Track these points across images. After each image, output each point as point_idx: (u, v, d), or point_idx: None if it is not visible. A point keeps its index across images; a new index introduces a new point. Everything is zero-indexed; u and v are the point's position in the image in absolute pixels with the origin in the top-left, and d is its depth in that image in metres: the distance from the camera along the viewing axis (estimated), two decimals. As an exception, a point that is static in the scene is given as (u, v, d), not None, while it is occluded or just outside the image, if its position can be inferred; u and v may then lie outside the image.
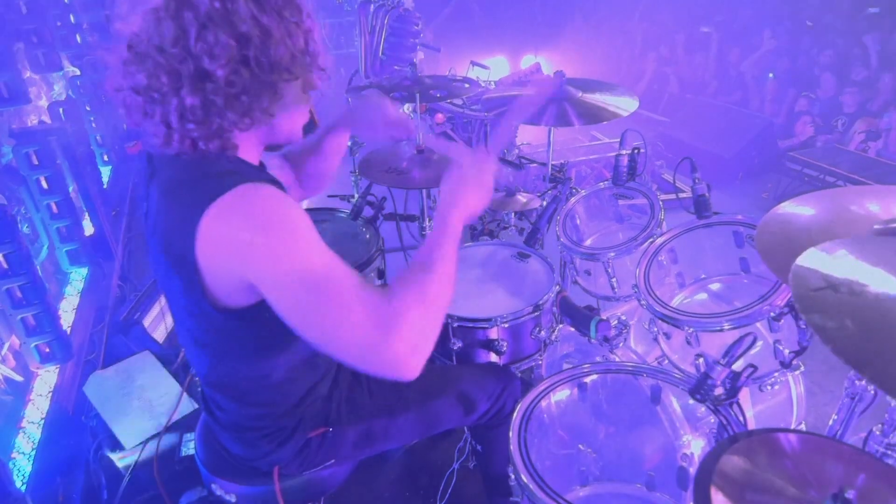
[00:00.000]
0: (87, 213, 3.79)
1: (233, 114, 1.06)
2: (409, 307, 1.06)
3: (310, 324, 1.04)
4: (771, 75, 6.25)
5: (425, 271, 1.13)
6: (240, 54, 1.01)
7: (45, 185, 3.10)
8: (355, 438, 1.46)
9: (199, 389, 1.43)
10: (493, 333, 1.85)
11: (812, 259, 1.10)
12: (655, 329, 1.85)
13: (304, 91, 1.17)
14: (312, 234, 1.05)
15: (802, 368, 1.70)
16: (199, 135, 1.07)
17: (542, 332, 1.92)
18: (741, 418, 1.38)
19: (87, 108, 4.93)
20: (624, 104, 2.38)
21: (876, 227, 1.31)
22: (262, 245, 0.99)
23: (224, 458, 1.42)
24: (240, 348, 1.21)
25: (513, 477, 1.37)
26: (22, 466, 2.27)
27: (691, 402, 1.44)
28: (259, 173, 1.16)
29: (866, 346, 0.92)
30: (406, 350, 1.03)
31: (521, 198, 2.57)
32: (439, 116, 4.14)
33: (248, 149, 1.17)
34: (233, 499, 1.43)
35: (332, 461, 1.45)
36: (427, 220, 2.70)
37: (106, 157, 5.14)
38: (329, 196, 2.69)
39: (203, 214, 1.00)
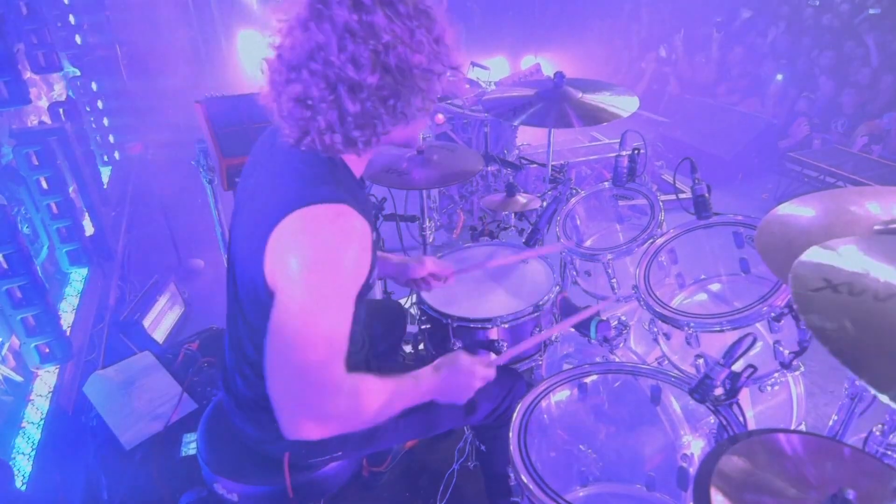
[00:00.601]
0: (87, 213, 3.79)
1: (389, 115, 1.14)
2: (349, 418, 1.19)
3: (272, 353, 1.12)
4: (780, 77, 6.24)
5: (390, 404, 1.26)
6: (382, 62, 1.08)
7: (45, 185, 3.10)
8: (363, 432, 1.47)
9: (223, 368, 1.49)
10: (494, 334, 1.85)
11: (814, 257, 1.11)
12: (655, 329, 1.85)
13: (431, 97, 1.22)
14: (345, 286, 1.12)
15: (802, 369, 1.70)
16: (353, 137, 1.14)
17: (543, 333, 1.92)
18: (741, 419, 1.38)
19: (87, 109, 4.93)
20: (624, 105, 2.38)
21: (876, 227, 1.31)
22: (296, 265, 1.09)
23: (229, 454, 1.42)
24: None
25: (513, 477, 1.37)
26: (22, 466, 2.27)
27: (691, 402, 1.44)
28: (354, 190, 1.23)
29: (865, 347, 0.92)
30: (311, 436, 1.15)
31: (521, 198, 2.58)
32: (439, 117, 4.14)
33: (360, 158, 1.27)
34: (234, 498, 1.43)
35: (340, 453, 1.45)
36: (427, 220, 2.70)
37: (106, 158, 5.15)
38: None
39: (282, 219, 1.10)
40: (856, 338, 0.93)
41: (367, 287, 1.25)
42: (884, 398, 0.86)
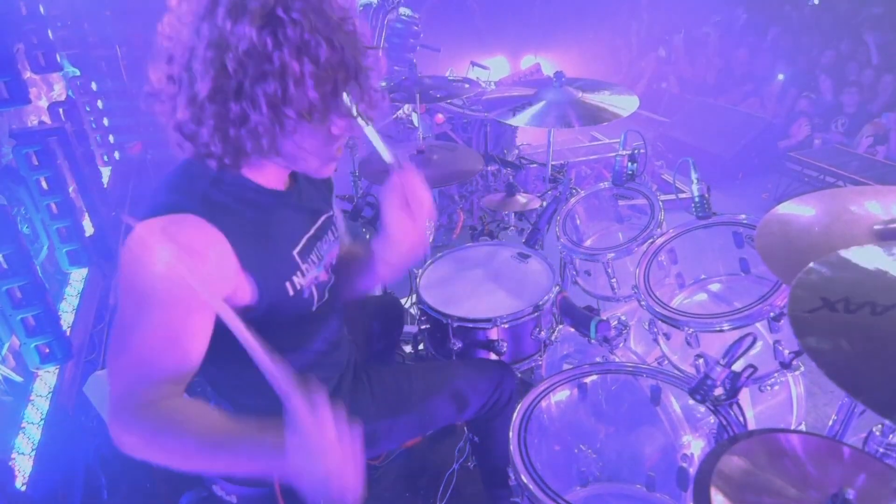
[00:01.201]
0: (87, 214, 3.79)
1: (225, 145, 1.05)
2: (150, 437, 1.05)
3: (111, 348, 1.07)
4: (781, 76, 6.24)
5: (216, 445, 1.01)
6: (239, 86, 0.98)
7: (45, 185, 3.10)
8: (360, 440, 1.46)
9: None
10: (494, 334, 1.85)
11: (811, 274, 1.10)
12: (655, 329, 1.85)
13: (333, 134, 1.11)
14: (172, 298, 1.02)
15: (802, 369, 1.70)
16: (198, 152, 1.07)
17: (543, 333, 1.92)
18: (741, 419, 1.38)
19: (87, 109, 4.93)
20: (624, 104, 2.38)
21: (876, 227, 1.31)
22: (126, 274, 1.03)
23: None
24: (214, 355, 1.16)
25: (513, 477, 1.37)
26: (22, 466, 2.27)
27: (691, 402, 1.44)
28: (242, 199, 1.13)
29: (861, 368, 0.93)
30: (122, 446, 1.07)
31: (521, 198, 2.58)
32: (439, 117, 4.14)
33: (261, 171, 1.17)
34: (233, 499, 1.43)
35: None
36: (427, 220, 2.69)
37: (106, 158, 5.14)
38: (329, 196, 2.69)
39: (132, 231, 1.03)
40: (852, 358, 0.94)
41: (298, 299, 1.20)
42: (886, 420, 0.87)
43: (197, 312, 1.06)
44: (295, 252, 1.25)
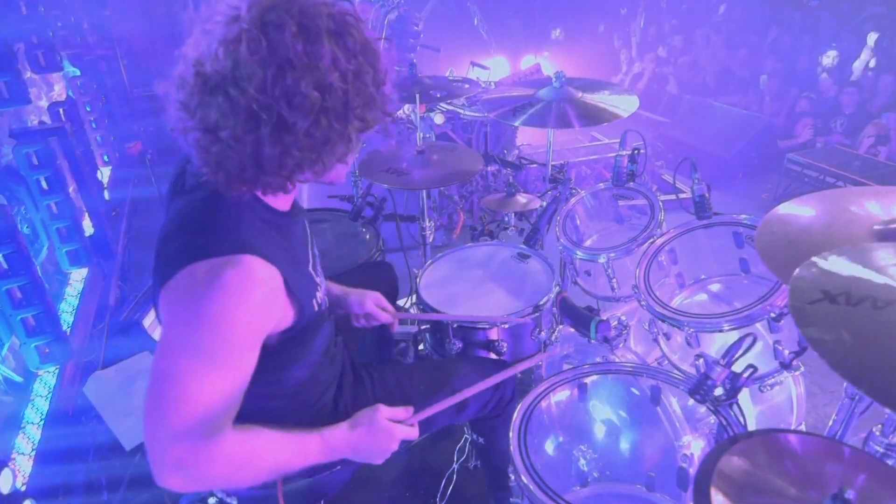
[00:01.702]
0: (87, 213, 3.79)
1: (308, 165, 1.03)
2: (230, 476, 1.06)
3: (148, 395, 1.02)
4: (764, 77, 6.26)
5: (287, 462, 1.15)
6: (321, 105, 0.96)
7: (45, 185, 3.10)
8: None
9: None
10: (494, 334, 1.85)
11: (812, 267, 1.11)
12: (655, 330, 1.85)
13: (356, 145, 1.12)
14: (226, 344, 1.01)
15: (802, 369, 1.70)
16: (264, 182, 1.04)
17: (543, 333, 1.92)
18: (741, 419, 1.38)
19: (87, 109, 4.93)
20: (624, 104, 2.38)
21: (876, 227, 1.31)
22: (175, 321, 1.02)
23: None
24: None
25: (513, 478, 1.37)
26: (22, 466, 2.27)
27: (691, 402, 1.44)
28: (264, 231, 1.11)
29: (863, 358, 0.93)
30: (174, 483, 1.02)
31: (521, 198, 2.58)
32: (439, 117, 4.14)
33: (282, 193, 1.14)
34: (234, 501, 1.43)
35: (338, 466, 1.45)
36: (427, 220, 2.70)
37: (106, 158, 5.14)
38: (329, 197, 2.69)
39: (172, 276, 1.00)
40: (854, 348, 0.94)
41: (302, 318, 1.18)
42: (887, 410, 0.87)
43: (258, 348, 1.08)
44: (309, 268, 1.28)
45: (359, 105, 1.01)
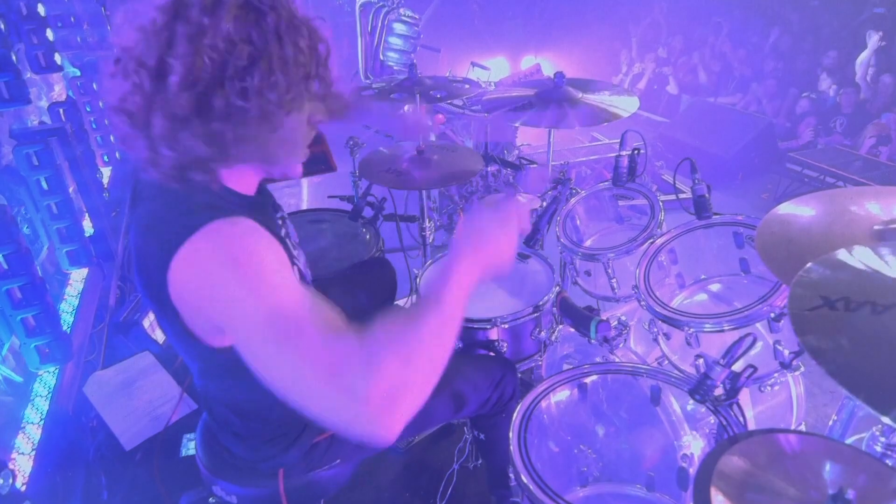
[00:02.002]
0: (87, 214, 3.79)
1: (212, 147, 0.97)
2: (385, 358, 0.89)
3: (273, 375, 0.92)
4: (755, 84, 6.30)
5: (411, 324, 0.95)
6: (222, 78, 0.92)
7: (45, 185, 3.10)
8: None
9: (195, 389, 1.42)
10: (494, 334, 1.85)
11: (811, 272, 1.10)
12: (655, 330, 1.85)
13: (309, 125, 1.09)
14: (282, 273, 0.97)
15: (802, 369, 1.70)
16: (180, 164, 0.99)
17: (543, 333, 1.92)
18: (741, 419, 1.38)
19: (87, 109, 4.93)
20: (624, 105, 2.38)
21: (876, 227, 1.31)
22: (225, 289, 0.93)
23: (225, 459, 1.42)
24: (231, 377, 1.18)
25: (513, 477, 1.37)
26: (22, 466, 2.27)
27: (691, 402, 1.44)
28: (241, 206, 1.08)
29: (862, 366, 0.92)
30: (380, 403, 0.86)
31: (521, 198, 2.58)
32: (439, 117, 4.14)
33: (241, 178, 1.12)
34: (234, 500, 1.43)
35: (338, 461, 1.45)
36: (427, 220, 2.70)
37: (106, 158, 5.14)
38: (329, 196, 2.69)
39: (173, 257, 0.95)
40: (852, 356, 0.94)
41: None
42: (885, 419, 0.87)
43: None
44: (283, 236, 1.27)
45: (279, 86, 0.96)
